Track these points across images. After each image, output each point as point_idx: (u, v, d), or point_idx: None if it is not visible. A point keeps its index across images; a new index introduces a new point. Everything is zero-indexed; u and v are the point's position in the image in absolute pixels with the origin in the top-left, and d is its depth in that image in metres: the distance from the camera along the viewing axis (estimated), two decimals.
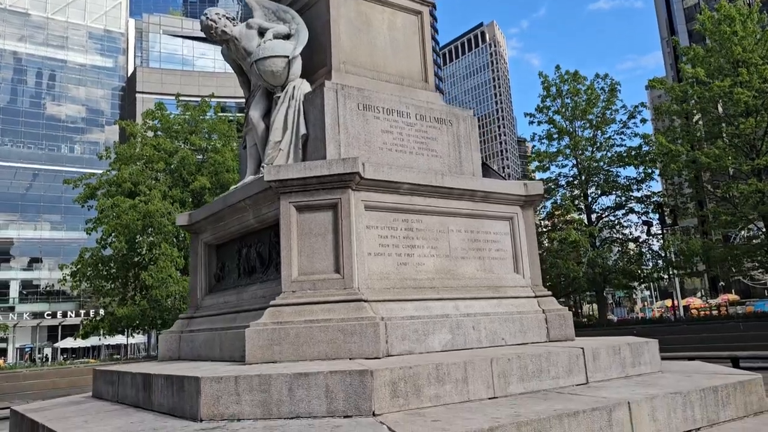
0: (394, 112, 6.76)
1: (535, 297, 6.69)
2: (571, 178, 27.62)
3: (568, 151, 26.57)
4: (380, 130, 6.61)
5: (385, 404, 4.29)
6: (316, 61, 7.12)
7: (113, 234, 25.16)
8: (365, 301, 5.39)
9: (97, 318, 29.94)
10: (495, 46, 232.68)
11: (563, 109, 27.19)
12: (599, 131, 27.26)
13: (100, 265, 26.65)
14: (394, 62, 7.41)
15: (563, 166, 27.59)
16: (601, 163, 26.56)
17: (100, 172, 28.44)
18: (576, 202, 27.47)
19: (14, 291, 68.06)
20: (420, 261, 6.09)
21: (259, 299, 6.02)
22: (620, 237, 28.14)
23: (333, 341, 5.14)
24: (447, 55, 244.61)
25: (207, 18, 6.88)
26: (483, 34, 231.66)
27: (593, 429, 4.24)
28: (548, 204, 26.82)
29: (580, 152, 26.68)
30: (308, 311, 5.33)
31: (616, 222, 28.17)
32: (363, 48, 7.19)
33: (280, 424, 4.12)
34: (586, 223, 26.98)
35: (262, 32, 6.99)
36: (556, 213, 26.37)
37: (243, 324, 5.61)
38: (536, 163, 27.92)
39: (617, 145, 27.14)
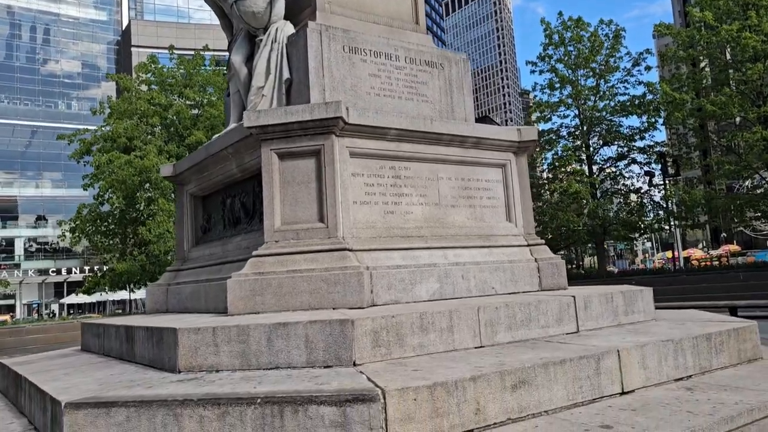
0: (383, 55, 6.47)
1: (528, 246, 6.54)
2: (573, 129, 27.12)
3: (569, 100, 25.98)
4: (367, 73, 6.33)
5: (366, 354, 4.17)
6: (302, 2, 6.78)
7: (110, 190, 25.00)
8: (350, 250, 5.23)
9: (98, 274, 30.10)
10: None
11: (566, 57, 26.45)
12: (602, 80, 26.63)
13: (98, 221, 26.55)
14: (382, 3, 7.07)
15: (565, 117, 27.08)
16: (604, 113, 26.01)
17: (95, 127, 28.12)
18: (577, 153, 27.06)
19: (19, 249, 68.51)
20: (408, 209, 5.91)
21: (243, 250, 5.87)
22: (621, 188, 27.84)
23: (316, 291, 5.01)
24: (449, 4, 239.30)
25: None
26: None
27: (580, 377, 4.13)
28: (549, 156, 26.47)
29: (583, 102, 26.10)
30: (291, 261, 5.18)
31: (617, 173, 27.82)
32: None
33: (259, 375, 4.01)
34: (587, 174, 26.64)
35: None
36: (558, 164, 25.98)
37: (227, 275, 5.46)
38: (537, 114, 27.39)
39: (620, 94, 26.55)
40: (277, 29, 6.36)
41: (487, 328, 4.80)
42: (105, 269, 30.57)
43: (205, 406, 3.44)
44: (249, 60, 6.64)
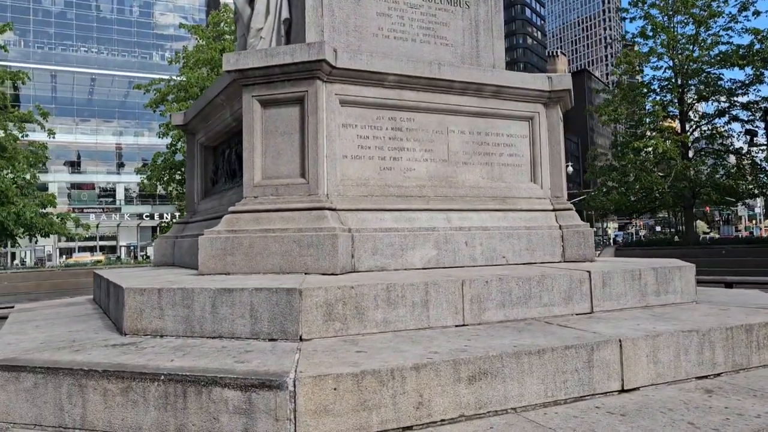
0: None
1: (553, 210, 5.76)
2: (666, 82, 24.58)
3: (661, 50, 23.42)
4: (375, 12, 5.66)
5: (316, 328, 3.70)
6: None
7: (180, 140, 25.56)
8: (331, 209, 4.72)
9: (173, 220, 31.18)
10: None
11: (661, 2, 23.75)
12: (703, 27, 23.77)
13: (172, 169, 27.40)
14: None
15: (657, 69, 24.60)
16: (702, 65, 23.32)
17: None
18: (669, 109, 24.60)
19: (120, 194, 72.90)
20: (409, 166, 5.29)
21: (233, 205, 5.49)
22: (718, 148, 25.15)
23: (288, 253, 4.55)
24: None
25: None
26: None
27: (564, 371, 3.47)
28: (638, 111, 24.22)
29: (679, 52, 23.47)
30: (266, 219, 4.74)
31: (713, 131, 25.03)
32: None
33: (195, 345, 3.64)
34: (679, 131, 24.19)
35: None
36: (648, 121, 23.74)
37: None
38: (624, 66, 25.03)
39: (723, 43, 23.65)
40: None
41: (473, 304, 4.18)
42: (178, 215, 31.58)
43: (109, 379, 3.10)
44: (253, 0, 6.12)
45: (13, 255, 61.59)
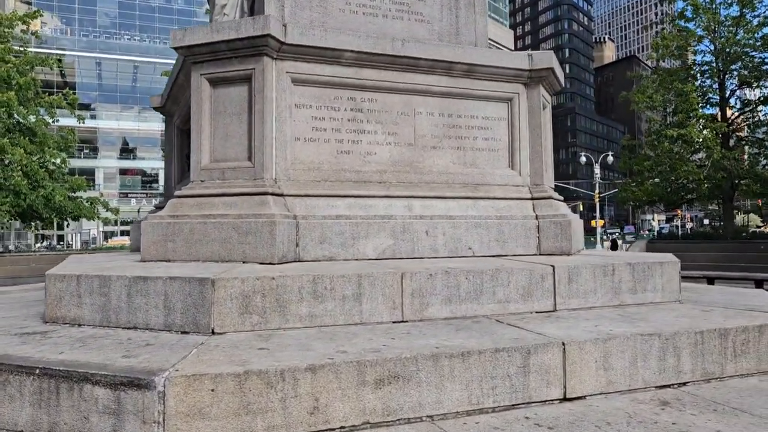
0: None
1: (531, 199, 5.35)
2: (705, 67, 23.18)
3: (701, 32, 22.04)
4: None
5: (231, 321, 3.44)
6: None
7: None
8: (276, 195, 4.45)
9: None
10: None
11: None
12: (748, 7, 22.29)
13: None
14: None
15: (697, 53, 23.19)
16: (746, 49, 21.86)
17: None
18: (708, 95, 23.24)
19: (162, 179, 74.48)
20: (370, 150, 4.97)
21: None
22: (763, 137, 23.64)
23: (227, 240, 4.31)
24: None
25: None
26: None
27: (493, 376, 3.13)
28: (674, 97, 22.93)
29: (721, 35, 22.07)
30: (209, 204, 4.50)
31: (756, 119, 23.50)
32: None
33: (100, 335, 3.44)
34: (719, 119, 22.81)
35: None
36: (685, 108, 22.47)
37: None
38: (662, 50, 23.68)
39: None
40: None
41: (414, 299, 3.85)
42: None
43: None
44: None
45: (61, 237, 63.67)
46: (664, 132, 21.29)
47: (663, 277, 4.64)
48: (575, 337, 3.42)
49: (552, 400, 3.29)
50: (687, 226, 77.65)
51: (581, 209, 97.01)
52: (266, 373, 2.72)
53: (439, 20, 5.67)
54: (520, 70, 5.35)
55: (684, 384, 3.63)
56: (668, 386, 3.59)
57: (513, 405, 3.20)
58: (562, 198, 6.08)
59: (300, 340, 3.31)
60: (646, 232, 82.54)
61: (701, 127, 21.14)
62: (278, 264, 4.17)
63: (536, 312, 4.19)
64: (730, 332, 3.78)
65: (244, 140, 4.60)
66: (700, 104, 21.70)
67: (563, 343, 3.32)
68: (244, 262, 4.24)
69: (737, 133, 23.67)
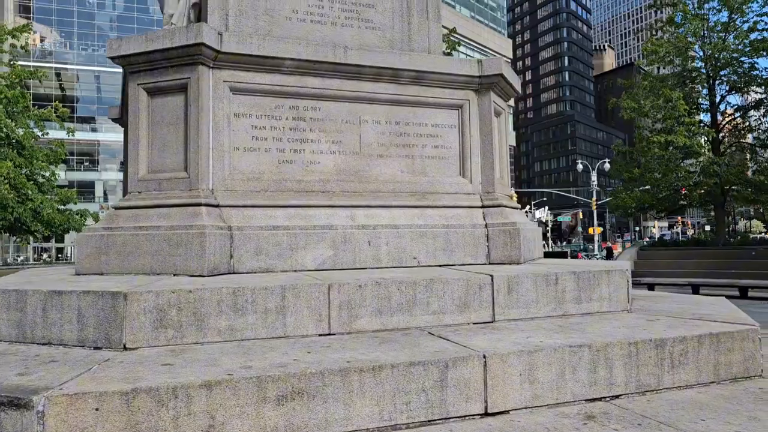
0: None
1: (481, 207, 5.26)
2: (694, 73, 23.01)
3: (690, 38, 21.93)
4: None
5: (144, 336, 3.35)
6: None
7: None
8: (210, 205, 4.37)
9: None
10: None
11: None
12: (738, 13, 22.16)
13: None
14: None
15: (687, 59, 23.02)
16: (735, 54, 21.74)
17: None
18: (699, 101, 23.09)
19: None
20: (313, 159, 4.89)
21: None
22: (753, 143, 23.49)
23: (158, 253, 4.22)
24: None
25: None
26: None
27: (407, 391, 3.03)
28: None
29: (708, 41, 21.96)
30: (144, 216, 4.42)
31: (746, 125, 23.40)
32: None
33: (11, 351, 3.35)
34: (709, 125, 22.67)
35: None
36: (674, 114, 22.33)
37: None
38: (652, 57, 23.58)
39: (760, 30, 21.94)
40: None
41: (342, 311, 3.75)
42: None
43: None
44: None
45: (60, 250, 63.71)
46: (652, 138, 21.20)
47: (610, 286, 4.54)
48: (499, 350, 3.32)
49: (472, 416, 3.18)
50: (688, 233, 77.40)
51: (581, 217, 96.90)
52: (157, 391, 2.62)
53: (391, 27, 5.61)
54: (470, 77, 5.28)
55: (617, 397, 3.52)
56: (599, 399, 3.48)
57: (429, 421, 3.09)
58: (518, 206, 6.00)
59: (212, 355, 3.22)
60: (647, 239, 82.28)
61: (690, 133, 21.03)
62: (208, 276, 4.09)
63: (474, 323, 4.09)
64: (666, 342, 3.67)
65: (180, 150, 4.53)
66: (689, 110, 21.58)
67: (484, 356, 3.22)
68: (174, 275, 4.16)
69: (740, 140, 23.49)
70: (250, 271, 4.36)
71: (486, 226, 5.11)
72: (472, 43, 67.13)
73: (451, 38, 24.10)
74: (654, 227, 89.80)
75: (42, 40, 58.20)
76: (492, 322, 4.13)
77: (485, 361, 3.21)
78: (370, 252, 4.71)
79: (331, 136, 4.94)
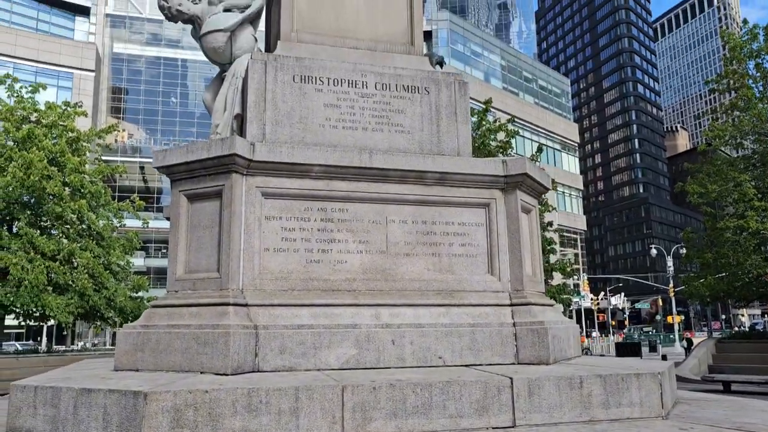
0: (345, 83, 5.74)
1: (510, 306, 5.23)
2: (759, 156, 22.06)
3: (756, 121, 21.23)
4: (322, 104, 5.65)
5: None
6: (275, 31, 6.37)
7: None
8: (238, 305, 4.57)
9: None
10: (725, 8, 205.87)
11: (757, 73, 21.70)
12: None
13: None
14: (368, 25, 6.34)
15: (758, 141, 22.17)
16: None
17: None
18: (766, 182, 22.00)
19: None
20: (340, 258, 5.06)
21: None
22: None
23: (187, 351, 4.43)
24: (665, 25, 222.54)
25: None
26: None
27: None
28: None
29: None
30: (177, 314, 4.67)
31: None
32: (327, 12, 6.24)
33: None
34: None
35: (229, 8, 6.42)
36: (740, 198, 21.35)
37: None
38: (716, 140, 22.83)
39: None
40: (239, 63, 6.00)
41: (356, 413, 3.78)
42: None
43: None
44: None
45: None
46: (722, 224, 20.32)
47: (641, 391, 4.35)
48: None
49: None
50: None
51: (660, 304, 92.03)
52: None
53: (420, 130, 5.87)
54: (495, 177, 5.41)
55: None
56: None
57: None
58: (552, 303, 5.92)
59: None
60: (736, 328, 76.99)
61: (761, 217, 20.02)
62: (231, 375, 4.23)
63: (493, 428, 4.00)
64: None
65: (214, 252, 4.81)
66: (762, 194, 20.66)
67: None
68: (201, 373, 4.33)
69: None
70: (274, 369, 4.48)
71: (514, 324, 5.07)
72: (536, 127, 67.76)
73: (510, 127, 24.49)
74: (743, 315, 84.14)
75: (130, 137, 62.91)
76: (512, 427, 4.03)
77: None
78: (394, 351, 4.74)
79: (359, 235, 5.13)
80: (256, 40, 6.29)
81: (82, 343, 51.96)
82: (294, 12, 6.11)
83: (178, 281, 4.90)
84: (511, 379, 4.10)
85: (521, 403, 4.07)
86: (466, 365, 4.86)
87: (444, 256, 5.33)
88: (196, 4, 6.50)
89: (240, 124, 5.82)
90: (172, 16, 6.47)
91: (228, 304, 4.52)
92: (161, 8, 6.49)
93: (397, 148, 5.67)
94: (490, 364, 4.90)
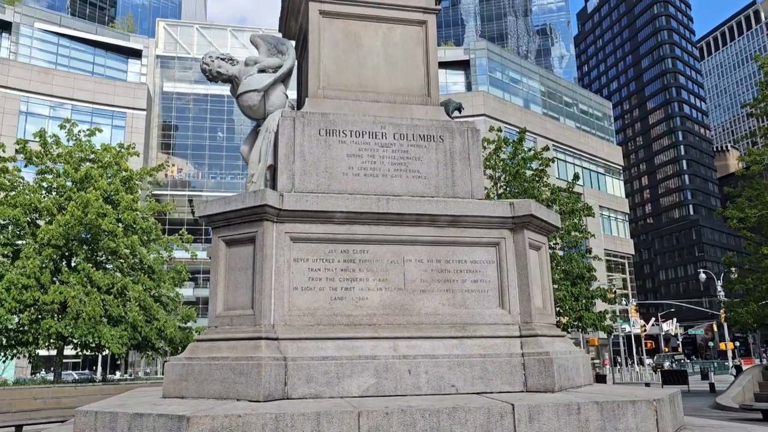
0: (365, 134, 6.35)
1: (519, 337, 5.65)
2: None
3: None
4: (346, 154, 6.26)
5: None
6: (305, 89, 7.05)
7: None
8: (270, 339, 5.14)
9: None
10: None
11: None
12: None
13: None
14: (387, 80, 6.96)
15: None
16: None
17: None
18: None
19: None
20: (362, 295, 5.60)
21: None
22: None
23: (225, 380, 5.01)
24: (710, 44, 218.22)
25: (202, 61, 7.27)
26: (757, 13, 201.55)
27: None
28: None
29: None
30: (217, 348, 5.27)
31: None
32: (349, 69, 6.90)
33: None
34: None
35: (263, 69, 7.15)
36: None
37: None
38: (753, 167, 22.51)
39: None
40: (272, 119, 6.69)
41: None
42: None
43: None
44: None
45: None
46: (761, 250, 20.00)
47: (636, 417, 4.70)
48: None
49: None
50: None
51: (715, 329, 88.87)
52: None
53: (435, 175, 6.40)
54: (504, 218, 5.88)
55: None
56: None
57: None
58: (563, 334, 6.30)
59: None
60: None
61: None
62: (263, 402, 4.78)
63: None
64: None
65: (248, 291, 5.42)
66: None
67: None
68: (237, 400, 4.89)
69: None
70: (301, 396, 5.01)
71: (522, 355, 5.48)
72: (578, 152, 67.39)
73: (545, 155, 24.82)
74: None
75: (179, 171, 65.46)
76: None
77: None
78: (411, 380, 5.22)
79: (378, 274, 5.66)
80: (287, 96, 6.99)
81: (133, 371, 53.69)
82: (320, 72, 6.78)
83: (218, 317, 5.52)
84: (512, 405, 4.53)
85: (522, 427, 4.48)
86: (477, 393, 5.29)
87: (457, 292, 5.80)
88: (234, 65, 7.26)
89: (273, 173, 6.47)
90: (213, 77, 7.24)
91: (260, 338, 5.10)
92: (203, 71, 7.27)
93: (415, 193, 6.21)
94: (500, 392, 5.32)
